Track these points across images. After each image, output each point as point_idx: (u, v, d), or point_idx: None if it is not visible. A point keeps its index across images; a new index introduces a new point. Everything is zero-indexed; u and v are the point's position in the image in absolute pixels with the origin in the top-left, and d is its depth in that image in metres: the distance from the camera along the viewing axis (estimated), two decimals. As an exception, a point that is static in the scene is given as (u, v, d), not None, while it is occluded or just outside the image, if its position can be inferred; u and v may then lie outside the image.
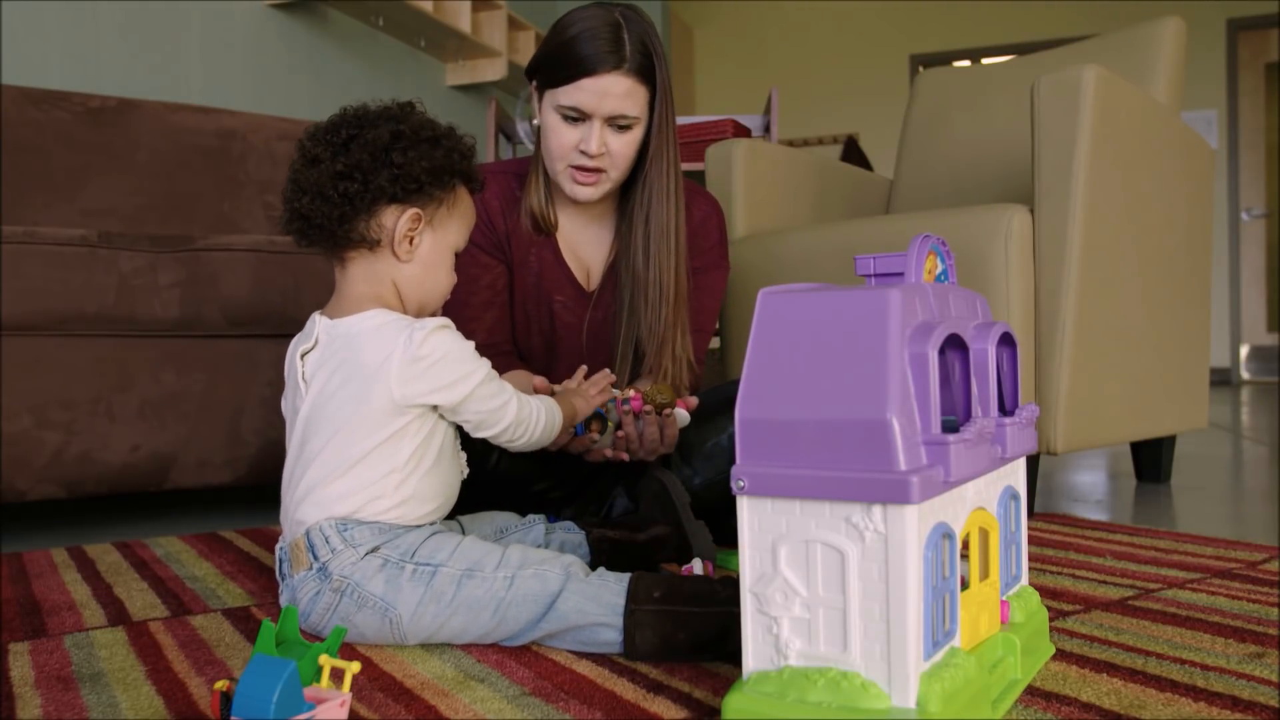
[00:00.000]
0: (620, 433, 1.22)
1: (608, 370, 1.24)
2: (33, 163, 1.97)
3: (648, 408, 1.21)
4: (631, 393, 1.22)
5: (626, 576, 0.92)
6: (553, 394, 1.16)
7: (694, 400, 1.29)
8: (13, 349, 1.54)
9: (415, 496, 0.96)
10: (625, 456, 1.24)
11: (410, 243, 1.01)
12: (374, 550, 0.93)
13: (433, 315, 1.05)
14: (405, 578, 0.92)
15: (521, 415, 1.01)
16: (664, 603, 0.88)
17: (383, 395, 0.93)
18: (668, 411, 1.22)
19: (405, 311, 1.02)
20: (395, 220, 0.99)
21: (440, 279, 1.05)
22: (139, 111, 2.15)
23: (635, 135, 1.29)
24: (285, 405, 1.03)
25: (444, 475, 1.00)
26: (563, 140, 1.28)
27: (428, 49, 4.04)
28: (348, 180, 0.96)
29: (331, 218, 0.97)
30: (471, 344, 0.98)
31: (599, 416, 1.21)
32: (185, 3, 2.96)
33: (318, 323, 1.00)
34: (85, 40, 2.66)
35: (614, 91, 1.24)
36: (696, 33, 7.24)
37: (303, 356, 0.99)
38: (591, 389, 1.19)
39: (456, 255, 1.07)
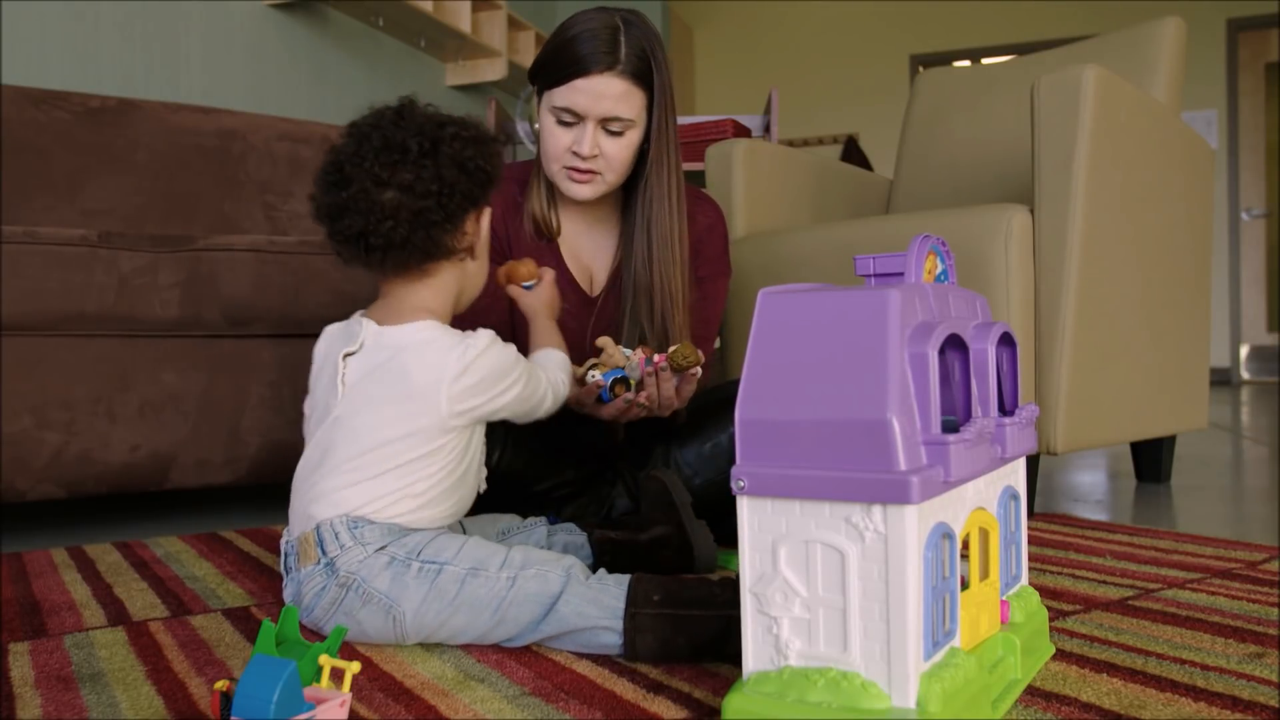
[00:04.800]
0: (643, 393, 1.20)
1: (607, 338, 1.23)
2: (33, 163, 1.97)
3: (665, 367, 1.19)
4: (655, 355, 1.20)
5: (626, 578, 0.92)
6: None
7: (702, 355, 1.28)
8: (13, 349, 1.54)
9: (433, 504, 0.98)
10: (642, 413, 1.23)
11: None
12: (382, 548, 0.93)
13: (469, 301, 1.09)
14: (411, 575, 0.92)
15: (545, 392, 1.05)
16: (664, 606, 0.88)
17: (431, 414, 0.95)
18: (693, 372, 1.21)
19: (454, 308, 1.05)
20: (475, 224, 1.01)
21: (485, 268, 1.09)
22: (139, 111, 2.15)
23: (631, 139, 1.28)
24: (309, 402, 1.02)
25: (466, 488, 1.02)
26: (557, 142, 1.28)
27: (428, 49, 4.04)
28: (445, 196, 0.95)
29: (430, 238, 0.96)
30: (512, 348, 1.01)
31: (623, 379, 1.20)
32: (185, 3, 2.96)
33: (364, 327, 0.99)
34: (85, 40, 2.66)
35: (607, 93, 1.24)
36: (696, 33, 7.24)
37: (344, 358, 0.98)
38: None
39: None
